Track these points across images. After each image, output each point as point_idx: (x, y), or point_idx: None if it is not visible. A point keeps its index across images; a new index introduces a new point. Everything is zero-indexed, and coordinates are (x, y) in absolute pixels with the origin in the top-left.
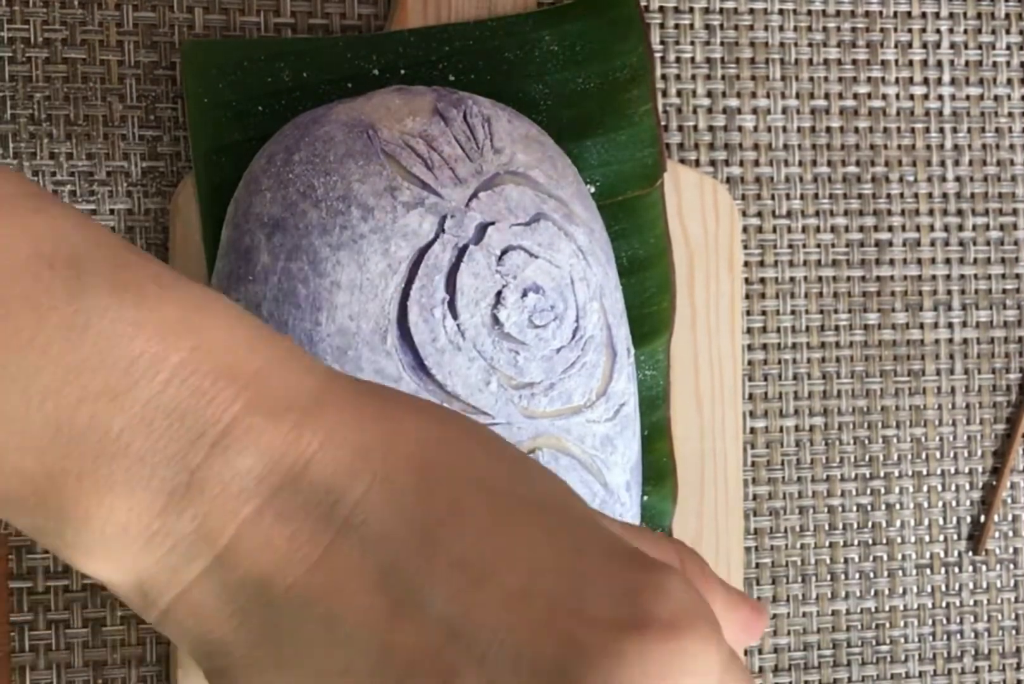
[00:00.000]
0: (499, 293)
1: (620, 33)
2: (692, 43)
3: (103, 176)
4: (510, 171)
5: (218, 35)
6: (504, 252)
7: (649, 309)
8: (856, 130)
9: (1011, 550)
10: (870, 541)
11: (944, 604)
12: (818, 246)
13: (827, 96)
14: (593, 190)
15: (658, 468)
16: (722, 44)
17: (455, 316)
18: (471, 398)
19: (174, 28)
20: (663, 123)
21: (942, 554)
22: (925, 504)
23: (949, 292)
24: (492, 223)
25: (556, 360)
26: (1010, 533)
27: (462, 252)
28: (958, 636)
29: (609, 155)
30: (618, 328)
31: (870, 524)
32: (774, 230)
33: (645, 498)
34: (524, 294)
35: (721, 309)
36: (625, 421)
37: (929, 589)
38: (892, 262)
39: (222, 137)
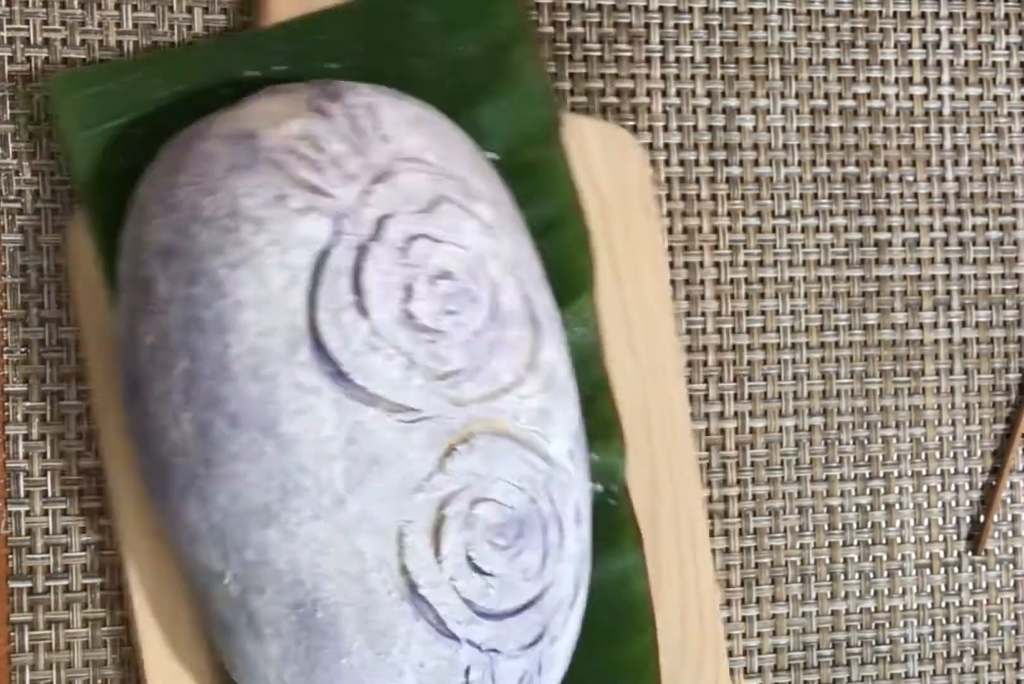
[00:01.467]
0: (409, 286)
1: None
2: (692, 43)
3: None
4: (402, 158)
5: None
6: (407, 243)
7: (569, 268)
8: (855, 130)
9: (1010, 550)
10: (870, 541)
11: (944, 604)
12: (817, 246)
13: (827, 96)
14: (496, 157)
15: (604, 425)
16: (722, 44)
17: (366, 316)
18: (395, 396)
19: (174, 28)
20: (555, 75)
21: (941, 554)
22: (924, 504)
23: (948, 292)
24: (390, 215)
25: (477, 343)
26: (1009, 533)
27: (363, 250)
28: (957, 636)
29: (503, 118)
30: (538, 297)
31: (869, 524)
32: (774, 230)
33: (594, 457)
34: (434, 282)
35: (641, 256)
36: (559, 389)
37: (929, 589)
38: (892, 262)
39: (105, 167)
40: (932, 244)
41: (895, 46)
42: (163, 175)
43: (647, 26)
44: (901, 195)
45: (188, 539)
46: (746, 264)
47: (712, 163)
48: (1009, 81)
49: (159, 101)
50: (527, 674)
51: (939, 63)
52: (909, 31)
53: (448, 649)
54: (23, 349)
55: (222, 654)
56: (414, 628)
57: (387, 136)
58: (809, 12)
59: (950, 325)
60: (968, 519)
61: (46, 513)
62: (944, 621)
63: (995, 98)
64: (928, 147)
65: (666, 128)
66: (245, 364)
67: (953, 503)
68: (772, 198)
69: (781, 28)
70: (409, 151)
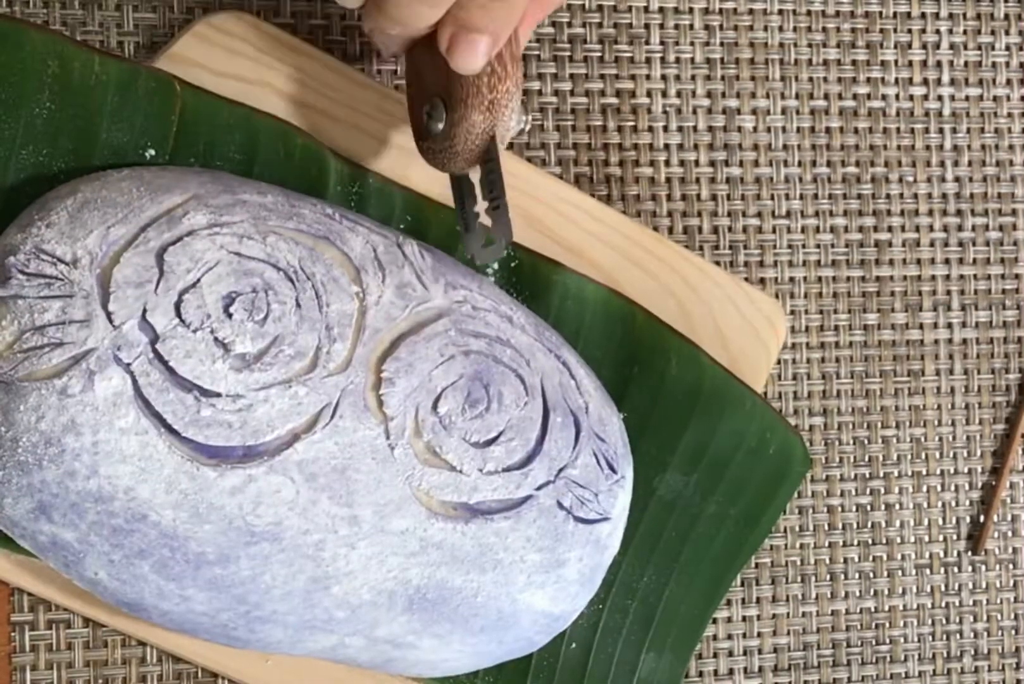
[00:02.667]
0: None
1: None
2: (692, 43)
3: None
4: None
5: None
6: (178, 305)
7: None
8: (856, 130)
9: (1010, 550)
10: (870, 541)
11: (944, 604)
12: (818, 246)
13: (827, 97)
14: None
15: None
16: (722, 44)
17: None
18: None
19: (174, 29)
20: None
21: (941, 554)
22: (924, 504)
23: (948, 292)
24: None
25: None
26: (1009, 533)
27: (157, 352)
28: (957, 636)
29: None
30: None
31: (870, 524)
32: (774, 230)
33: None
34: (228, 301)
35: None
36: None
37: (929, 589)
38: (892, 262)
39: None
40: (932, 244)
41: (895, 47)
42: None
43: (647, 27)
44: (901, 195)
45: None
46: (746, 264)
47: (712, 163)
48: (1009, 82)
49: None
50: None
51: (939, 64)
52: (909, 32)
53: None
54: None
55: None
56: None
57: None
58: (809, 12)
59: (950, 325)
60: (968, 519)
61: None
62: (944, 621)
63: (995, 99)
64: (928, 148)
65: (666, 128)
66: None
67: (953, 503)
68: (772, 198)
69: (781, 28)
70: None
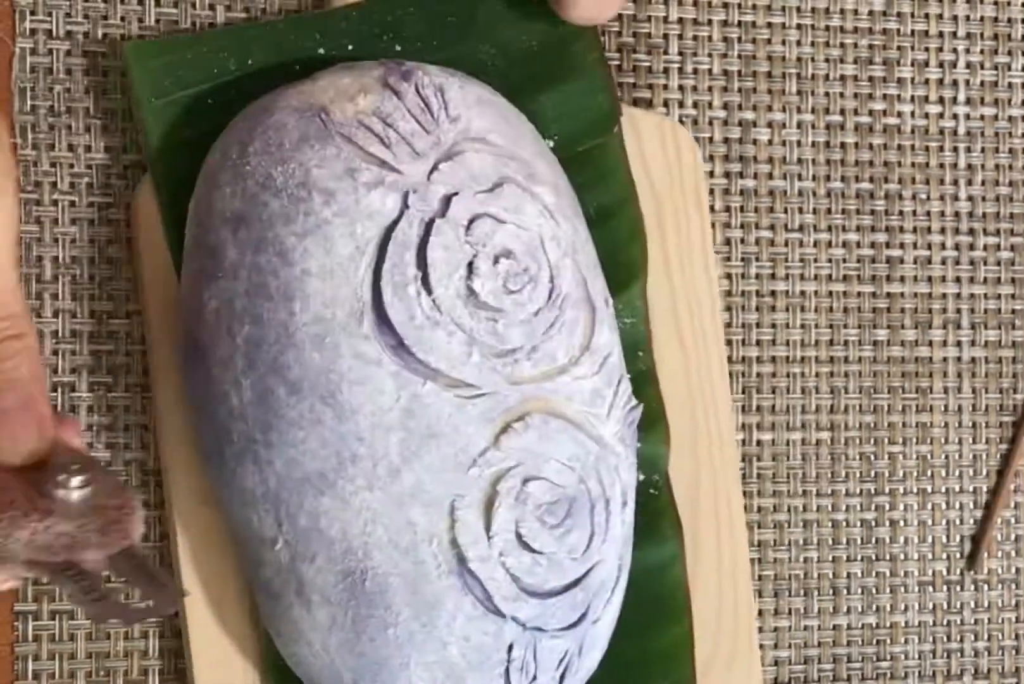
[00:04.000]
0: (471, 263)
1: None
2: (710, 55)
3: (119, 170)
4: (468, 138)
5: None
6: (471, 221)
7: (622, 257)
8: (870, 146)
9: (1013, 570)
10: (873, 557)
11: (945, 622)
12: (829, 261)
13: (842, 112)
14: (552, 145)
15: (649, 414)
16: (739, 57)
17: (429, 291)
18: (454, 371)
19: (195, 25)
20: (614, 67)
21: (944, 572)
22: (929, 521)
23: (959, 310)
24: (456, 193)
25: (536, 323)
26: (1012, 552)
27: (429, 226)
28: (958, 654)
29: (564, 107)
30: (594, 281)
31: (874, 540)
32: (786, 243)
33: (639, 446)
34: (496, 261)
35: (694, 249)
36: (612, 372)
37: (930, 606)
38: (903, 279)
39: (175, 134)
40: (943, 262)
41: (912, 64)
42: (235, 144)
43: (666, 37)
44: (914, 212)
45: (241, 504)
46: (757, 276)
47: (727, 175)
48: None
49: (229, 74)
50: (568, 654)
51: (955, 82)
52: (926, 50)
53: (493, 625)
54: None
55: (267, 620)
56: (461, 602)
57: (455, 116)
58: (827, 28)
59: (959, 343)
60: (971, 537)
61: None
62: (945, 639)
63: (1010, 118)
64: (942, 166)
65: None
66: (309, 332)
67: (957, 521)
68: (785, 211)
69: (799, 43)
70: (476, 132)
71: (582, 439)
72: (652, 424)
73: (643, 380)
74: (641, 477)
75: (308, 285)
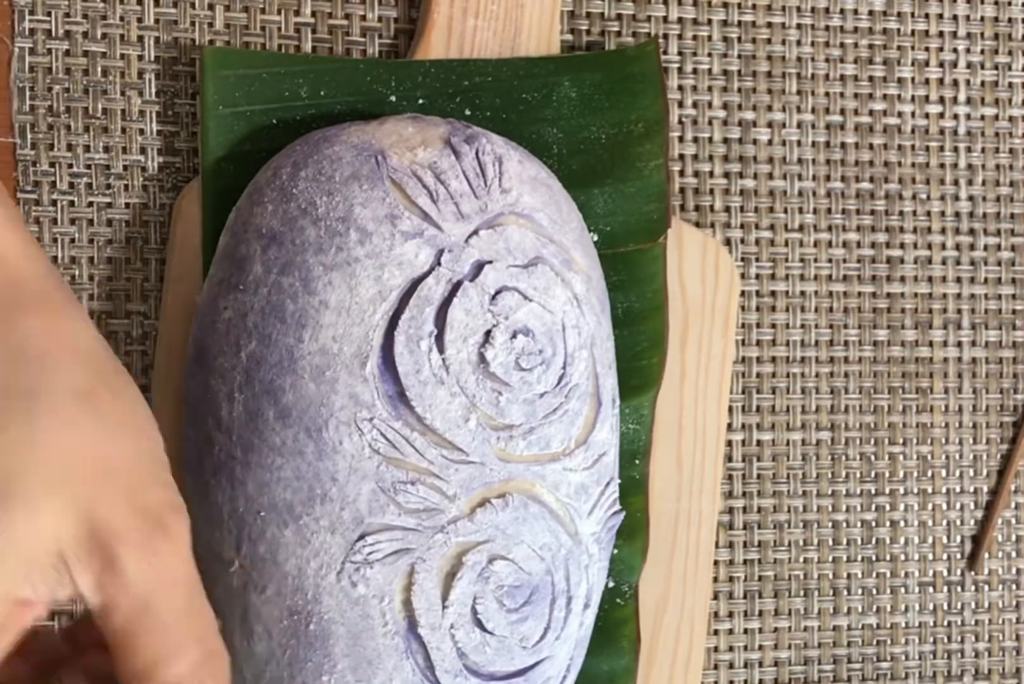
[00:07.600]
0: (488, 332)
1: (639, 88)
2: (709, 55)
3: (120, 170)
4: (515, 212)
5: (238, 35)
6: (498, 292)
7: (639, 363)
8: (871, 146)
9: (1014, 570)
10: (873, 557)
11: (945, 623)
12: (829, 261)
13: (843, 112)
14: (596, 239)
15: (631, 523)
16: (739, 57)
17: (441, 350)
18: (448, 433)
19: (195, 25)
20: (673, 178)
21: (944, 572)
22: (929, 522)
23: (959, 311)
24: (490, 262)
25: (538, 405)
26: (1013, 553)
27: (456, 287)
28: (959, 655)
29: (615, 206)
30: (606, 378)
31: (874, 540)
32: (786, 243)
33: (615, 551)
34: (514, 335)
35: (711, 371)
36: (603, 471)
37: (931, 607)
38: (903, 279)
39: (233, 145)
40: (944, 262)
41: (912, 64)
42: (288, 165)
43: (665, 36)
44: (914, 213)
45: (207, 519)
46: (757, 277)
47: (727, 175)
48: None
49: (299, 99)
50: None
51: (956, 82)
52: (927, 49)
53: None
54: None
55: None
56: (401, 665)
57: (507, 188)
58: (827, 27)
59: (959, 344)
60: (972, 538)
61: None
62: (945, 640)
63: (1010, 119)
64: (942, 166)
65: (681, 139)
66: (311, 362)
67: (958, 522)
68: (785, 212)
69: (799, 42)
70: (523, 207)
71: (558, 531)
72: (632, 534)
73: (633, 488)
74: (611, 584)
75: (323, 316)
